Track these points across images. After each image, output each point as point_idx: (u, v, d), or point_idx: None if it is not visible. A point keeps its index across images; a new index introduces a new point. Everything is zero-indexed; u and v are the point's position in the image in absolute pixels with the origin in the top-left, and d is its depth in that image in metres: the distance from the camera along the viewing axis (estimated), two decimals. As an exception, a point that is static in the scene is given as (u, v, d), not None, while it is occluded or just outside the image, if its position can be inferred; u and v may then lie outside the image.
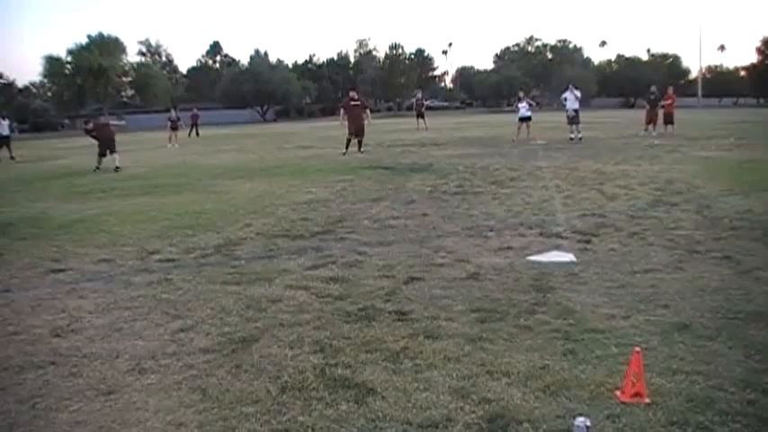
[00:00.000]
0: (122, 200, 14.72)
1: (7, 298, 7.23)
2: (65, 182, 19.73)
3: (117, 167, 22.26)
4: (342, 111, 25.98)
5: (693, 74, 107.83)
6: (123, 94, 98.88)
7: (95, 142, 23.42)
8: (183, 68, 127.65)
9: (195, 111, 50.88)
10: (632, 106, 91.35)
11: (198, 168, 21.86)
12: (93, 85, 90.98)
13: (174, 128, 40.45)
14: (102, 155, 23.02)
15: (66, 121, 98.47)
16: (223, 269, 7.94)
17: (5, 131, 34.92)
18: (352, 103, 25.23)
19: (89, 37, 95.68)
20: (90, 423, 4.24)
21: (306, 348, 5.28)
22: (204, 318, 6.16)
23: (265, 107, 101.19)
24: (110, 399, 4.56)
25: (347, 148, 24.67)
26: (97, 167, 22.61)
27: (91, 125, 24.24)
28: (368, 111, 26.60)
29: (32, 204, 14.76)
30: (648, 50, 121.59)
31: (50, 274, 8.22)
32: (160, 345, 5.53)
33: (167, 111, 48.10)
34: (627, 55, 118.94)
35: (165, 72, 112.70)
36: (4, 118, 35.09)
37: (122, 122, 33.01)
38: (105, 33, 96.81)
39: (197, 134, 47.86)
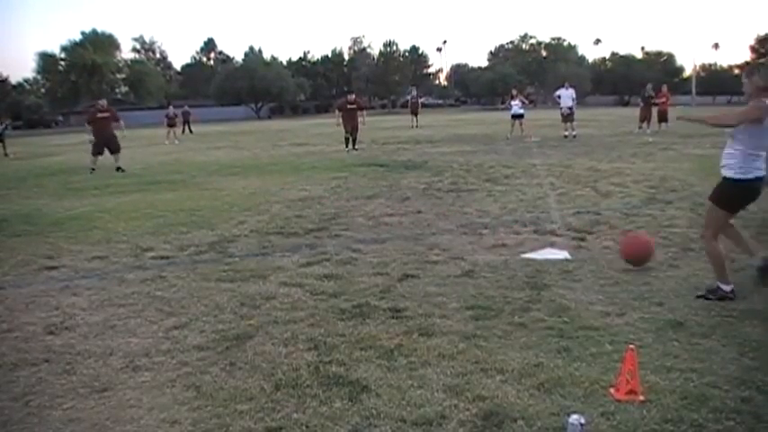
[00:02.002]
0: (116, 197, 14.69)
1: (1, 295, 7.22)
2: (59, 179, 19.69)
3: (119, 167, 20.72)
4: (337, 112, 26.27)
5: (688, 72, 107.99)
6: (117, 90, 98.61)
7: (93, 134, 21.52)
8: (178, 65, 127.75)
9: (186, 108, 50.76)
10: (627, 104, 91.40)
11: (192, 165, 21.84)
12: (88, 82, 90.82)
13: (172, 124, 40.53)
14: (97, 153, 21.26)
15: (60, 118, 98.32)
16: (217, 266, 7.93)
17: None
18: (349, 106, 25.55)
19: (83, 33, 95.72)
20: (84, 420, 4.23)
21: (300, 346, 5.28)
22: (198, 315, 6.16)
23: (260, 104, 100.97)
24: (103, 396, 4.56)
25: (347, 145, 24.91)
26: (92, 169, 20.72)
27: (104, 102, 22.24)
28: (363, 112, 26.90)
29: (26, 201, 14.73)
30: (643, 48, 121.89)
31: (44, 271, 8.20)
32: (154, 342, 5.53)
33: (161, 108, 48.05)
34: (621, 53, 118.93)
35: (159, 69, 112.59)
36: None
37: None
38: (99, 30, 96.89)
39: (190, 131, 47.85)
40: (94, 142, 21.43)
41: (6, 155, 32.94)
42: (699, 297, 6.10)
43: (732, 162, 6.11)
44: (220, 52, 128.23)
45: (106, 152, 21.38)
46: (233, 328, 5.78)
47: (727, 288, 6.10)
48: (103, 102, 22.46)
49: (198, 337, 5.60)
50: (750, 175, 6.02)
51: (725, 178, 6.18)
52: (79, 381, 4.83)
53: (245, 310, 6.26)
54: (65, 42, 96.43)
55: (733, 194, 6.19)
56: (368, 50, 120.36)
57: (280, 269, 7.67)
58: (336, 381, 4.59)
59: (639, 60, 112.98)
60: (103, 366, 5.08)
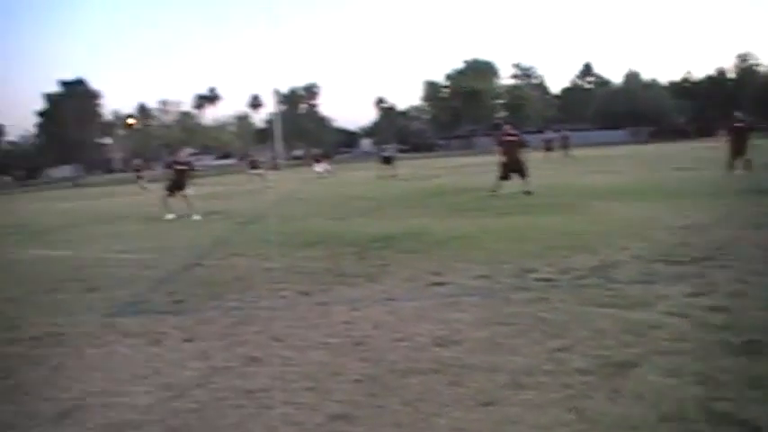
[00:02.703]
0: (497, 218, 15.13)
1: (393, 306, 7.74)
2: (442, 199, 20.73)
3: (527, 191, 20.64)
4: (727, 133, 24.94)
5: None
6: (496, 115, 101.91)
7: (502, 160, 21.43)
8: (555, 89, 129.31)
9: (565, 132, 51.31)
10: None
11: (570, 189, 21.88)
12: (468, 108, 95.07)
13: (549, 148, 41.47)
14: (504, 178, 21.22)
15: (441, 142, 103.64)
16: (599, 291, 7.85)
17: (387, 153, 38.52)
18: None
19: (465, 62, 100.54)
20: (468, 431, 4.42)
21: (686, 378, 5.08)
22: (581, 339, 6.15)
23: (639, 128, 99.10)
24: (488, 410, 4.72)
25: (731, 169, 23.37)
26: (493, 191, 20.86)
27: (509, 126, 22.40)
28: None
29: (412, 220, 15.65)
30: None
31: (432, 286, 8.66)
32: (537, 362, 5.61)
33: (539, 132, 49.02)
34: None
35: (536, 94, 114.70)
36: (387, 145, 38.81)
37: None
38: (480, 59, 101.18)
39: (568, 155, 48.12)
40: (503, 166, 21.46)
41: (394, 176, 35.46)
42: None
43: None
44: (597, 76, 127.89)
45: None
46: (616, 354, 5.69)
47: None
48: (509, 126, 22.88)
49: (580, 360, 5.59)
50: None
51: None
52: (465, 393, 5.05)
53: (629, 337, 6.13)
54: (449, 71, 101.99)
55: None
56: (756, 68, 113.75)
57: (664, 298, 7.39)
58: (725, 419, 4.37)
59: None
60: (488, 381, 5.25)
